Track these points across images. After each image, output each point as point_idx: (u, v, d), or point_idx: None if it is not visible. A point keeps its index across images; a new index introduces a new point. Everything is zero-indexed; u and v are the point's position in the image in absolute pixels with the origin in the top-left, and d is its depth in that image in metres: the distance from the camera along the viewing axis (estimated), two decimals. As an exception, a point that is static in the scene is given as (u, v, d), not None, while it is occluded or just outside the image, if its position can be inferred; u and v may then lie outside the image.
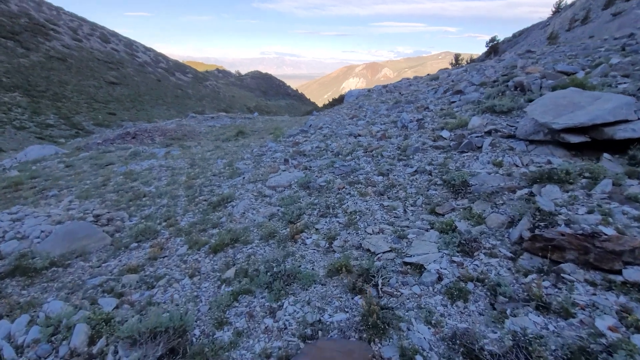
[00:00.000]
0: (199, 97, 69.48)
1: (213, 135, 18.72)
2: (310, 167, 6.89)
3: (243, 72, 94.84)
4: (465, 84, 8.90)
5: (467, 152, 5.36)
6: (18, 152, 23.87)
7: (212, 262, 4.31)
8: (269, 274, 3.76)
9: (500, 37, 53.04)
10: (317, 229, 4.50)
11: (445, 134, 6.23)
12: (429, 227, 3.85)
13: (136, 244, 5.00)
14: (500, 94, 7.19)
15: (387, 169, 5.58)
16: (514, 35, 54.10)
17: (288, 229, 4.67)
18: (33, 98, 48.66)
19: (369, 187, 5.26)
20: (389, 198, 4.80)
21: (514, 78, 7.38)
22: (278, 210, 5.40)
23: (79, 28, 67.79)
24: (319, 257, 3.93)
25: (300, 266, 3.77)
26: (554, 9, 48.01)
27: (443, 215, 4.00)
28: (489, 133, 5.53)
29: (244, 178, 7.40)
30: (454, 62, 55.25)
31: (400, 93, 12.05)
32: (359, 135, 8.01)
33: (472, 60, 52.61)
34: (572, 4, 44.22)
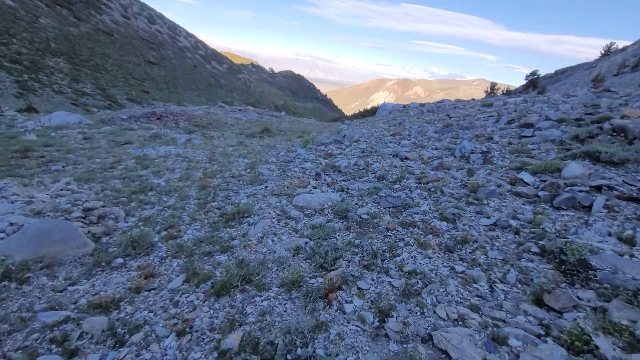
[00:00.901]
0: (230, 88, 69.53)
1: (238, 128, 17.70)
2: (348, 189, 5.56)
3: (276, 70, 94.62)
4: (537, 118, 7.41)
5: (566, 209, 3.94)
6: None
7: (211, 311, 3.04)
8: (289, 357, 2.47)
9: (541, 72, 50.70)
10: (360, 289, 3.16)
11: (526, 177, 4.80)
12: (542, 331, 2.46)
13: (122, 260, 3.78)
14: (590, 137, 5.70)
15: (453, 214, 4.20)
16: (556, 72, 51.56)
17: (320, 279, 3.36)
18: (75, 66, 49.39)
19: (430, 236, 3.90)
20: (462, 260, 3.42)
21: (610, 120, 5.88)
22: (306, 243, 4.10)
23: (129, 6, 68.96)
24: (365, 342, 2.59)
25: (337, 355, 2.46)
26: (602, 52, 45.30)
27: (560, 313, 2.61)
28: (597, 189, 4.09)
29: (266, 187, 6.15)
30: (489, 90, 53.26)
31: (448, 115, 10.61)
32: (407, 159, 6.65)
33: (509, 92, 50.41)
34: (623, 49, 41.59)
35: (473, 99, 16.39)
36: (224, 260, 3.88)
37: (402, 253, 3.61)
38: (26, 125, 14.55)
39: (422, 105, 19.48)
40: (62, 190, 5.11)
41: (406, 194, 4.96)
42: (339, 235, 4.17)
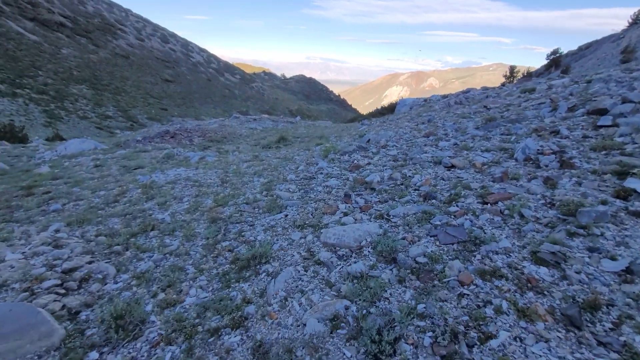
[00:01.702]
0: (244, 97, 69.55)
1: (253, 139, 16.75)
2: (388, 215, 4.29)
3: (288, 75, 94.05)
4: (611, 101, 5.85)
5: None
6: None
7: None
8: None
9: (563, 50, 47.05)
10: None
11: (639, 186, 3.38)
12: None
13: (97, 356, 2.72)
14: None
15: (553, 253, 2.86)
16: (580, 48, 47.79)
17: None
18: (97, 91, 50.66)
19: (531, 294, 2.58)
20: (604, 346, 2.10)
21: None
22: (346, 309, 2.88)
23: (143, 28, 70.41)
24: None
25: None
26: (630, 21, 41.39)
27: None
28: None
29: (286, 217, 4.99)
30: (508, 74, 50.16)
31: (486, 107, 9.08)
32: (454, 167, 5.28)
33: (530, 74, 47.16)
34: (654, 16, 37.94)
35: (504, 85, 14.60)
36: (235, 345, 2.72)
37: (497, 332, 2.31)
38: (44, 156, 14.18)
39: (445, 97, 17.81)
40: (43, 244, 4.14)
41: (471, 222, 3.63)
42: (391, 295, 2.92)
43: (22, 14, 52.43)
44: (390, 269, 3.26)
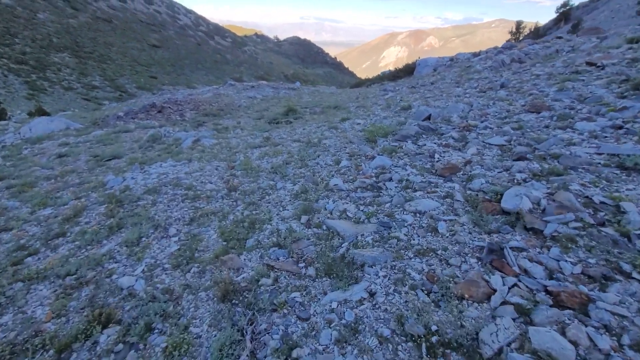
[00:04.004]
0: (237, 62, 63.54)
1: (255, 111, 13.55)
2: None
3: (281, 37, 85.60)
4: None
5: None
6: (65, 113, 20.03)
7: None
8: None
9: (574, 1, 42.03)
10: None
11: None
12: None
13: None
14: None
15: None
16: (591, 0, 42.72)
17: None
18: (80, 59, 45.10)
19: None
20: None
21: None
22: None
23: (122, -13, 61.85)
24: None
25: None
26: (650, -33, 36.30)
27: None
28: None
29: (372, 297, 2.33)
30: (514, 30, 45.39)
31: (592, 64, 6.11)
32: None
33: (538, 29, 42.46)
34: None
35: (560, 37, 11.36)
36: None
37: None
38: (4, 140, 10.98)
39: (476, 55, 14.44)
40: None
41: None
42: None
43: (-17, -29, 44.78)
44: None
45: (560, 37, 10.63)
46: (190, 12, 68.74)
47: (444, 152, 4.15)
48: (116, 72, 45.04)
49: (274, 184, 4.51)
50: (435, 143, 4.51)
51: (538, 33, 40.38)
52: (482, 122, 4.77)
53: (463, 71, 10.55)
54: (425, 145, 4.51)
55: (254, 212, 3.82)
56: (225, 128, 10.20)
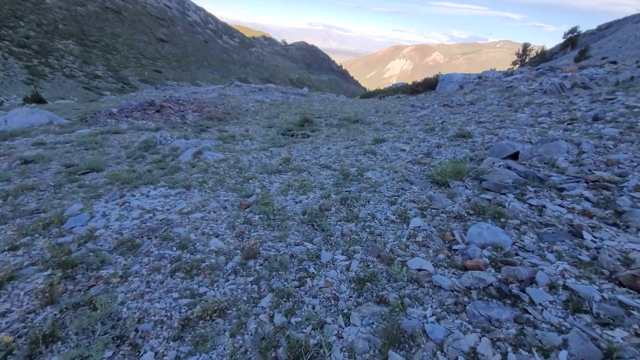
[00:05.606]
0: (243, 63, 61.68)
1: (265, 117, 11.81)
2: None
3: (289, 41, 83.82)
4: None
5: None
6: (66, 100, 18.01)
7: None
8: None
9: (581, 29, 41.07)
10: None
11: None
12: None
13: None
14: None
15: None
16: (599, 28, 42.01)
17: None
18: (85, 47, 42.87)
19: None
20: None
21: None
22: None
23: (134, -21, 59.63)
24: None
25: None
26: (660, -1, 35.36)
27: None
28: None
29: None
30: (520, 52, 44.40)
31: None
32: None
33: (543, 53, 41.50)
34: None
35: (614, 62, 9.89)
36: None
37: None
38: (-28, 133, 9.06)
39: (515, 74, 12.96)
40: None
41: None
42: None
43: (-10, -50, 42.40)
44: None
45: (614, 62, 9.15)
46: (200, 9, 66.81)
47: (592, 226, 2.49)
48: (120, 63, 42.89)
49: (314, 251, 2.82)
50: (560, 205, 2.85)
51: (544, 57, 39.41)
52: (618, 175, 3.13)
53: (506, 92, 8.98)
54: (545, 208, 2.85)
55: (291, 319, 2.11)
56: (232, 137, 8.47)
